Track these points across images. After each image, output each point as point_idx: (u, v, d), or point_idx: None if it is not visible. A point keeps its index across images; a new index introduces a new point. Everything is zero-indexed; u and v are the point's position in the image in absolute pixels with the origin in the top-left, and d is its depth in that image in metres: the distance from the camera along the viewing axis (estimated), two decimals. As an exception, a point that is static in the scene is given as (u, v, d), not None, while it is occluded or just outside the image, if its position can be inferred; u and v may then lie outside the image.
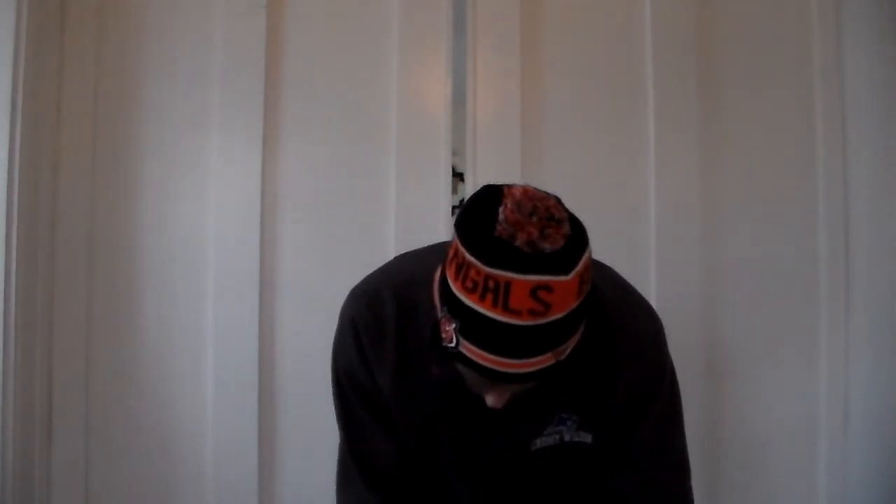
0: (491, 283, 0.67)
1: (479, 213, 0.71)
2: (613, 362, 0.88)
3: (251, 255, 1.51)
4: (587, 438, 0.90)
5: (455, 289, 0.71)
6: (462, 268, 0.70)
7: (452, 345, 0.72)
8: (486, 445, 0.91)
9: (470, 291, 0.69)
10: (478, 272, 0.68)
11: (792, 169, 1.58)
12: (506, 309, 0.67)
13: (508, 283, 0.66)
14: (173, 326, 1.52)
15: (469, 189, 1.54)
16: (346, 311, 0.95)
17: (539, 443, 0.89)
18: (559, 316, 0.68)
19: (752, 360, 1.55)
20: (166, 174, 1.54)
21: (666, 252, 1.52)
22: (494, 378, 0.72)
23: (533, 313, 0.67)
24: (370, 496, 0.95)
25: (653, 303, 1.50)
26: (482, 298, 0.68)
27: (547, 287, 0.67)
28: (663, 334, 0.95)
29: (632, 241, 1.53)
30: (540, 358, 0.70)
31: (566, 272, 0.68)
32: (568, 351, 0.72)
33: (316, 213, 1.54)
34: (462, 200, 1.56)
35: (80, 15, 1.52)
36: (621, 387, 0.89)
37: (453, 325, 0.71)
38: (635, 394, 0.91)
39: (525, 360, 0.70)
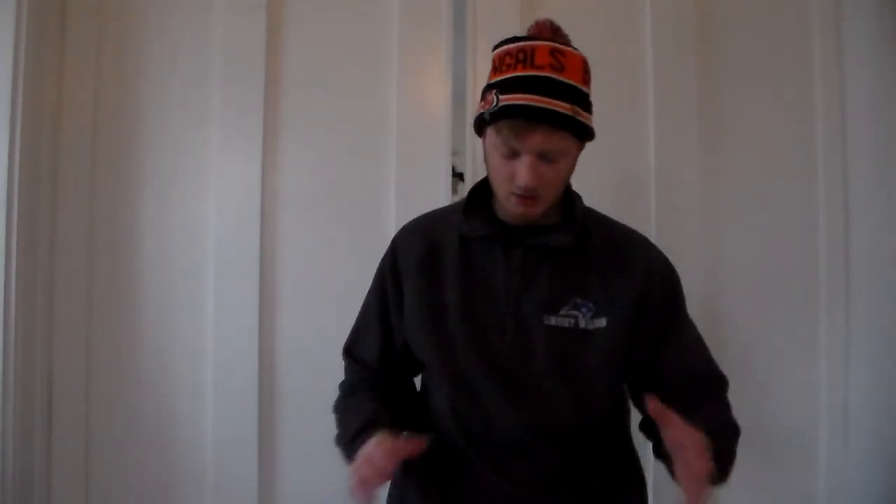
0: (521, 55, 0.94)
1: (508, 37, 0.98)
2: (622, 252, 1.03)
3: (251, 254, 1.51)
4: (602, 324, 0.99)
5: (493, 80, 0.96)
6: (498, 66, 0.96)
7: (494, 105, 0.93)
8: (504, 313, 1.00)
9: (505, 71, 0.94)
10: (510, 54, 0.95)
11: (792, 169, 1.57)
12: (532, 65, 0.93)
13: (534, 49, 0.94)
14: (173, 326, 1.53)
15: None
16: (395, 237, 1.15)
17: (554, 321, 0.98)
18: (572, 82, 0.94)
19: (753, 361, 1.55)
20: (166, 174, 1.54)
21: (666, 252, 1.51)
22: (527, 115, 0.91)
23: (553, 67, 0.92)
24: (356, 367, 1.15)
25: (653, 303, 1.52)
26: (514, 68, 0.93)
27: (560, 52, 0.94)
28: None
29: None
30: (561, 103, 0.92)
31: (573, 48, 0.96)
32: (582, 119, 0.94)
33: (316, 212, 1.54)
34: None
35: (80, 15, 1.52)
36: (635, 274, 1.01)
37: (493, 91, 0.94)
38: (657, 289, 1.02)
39: (550, 99, 0.91)
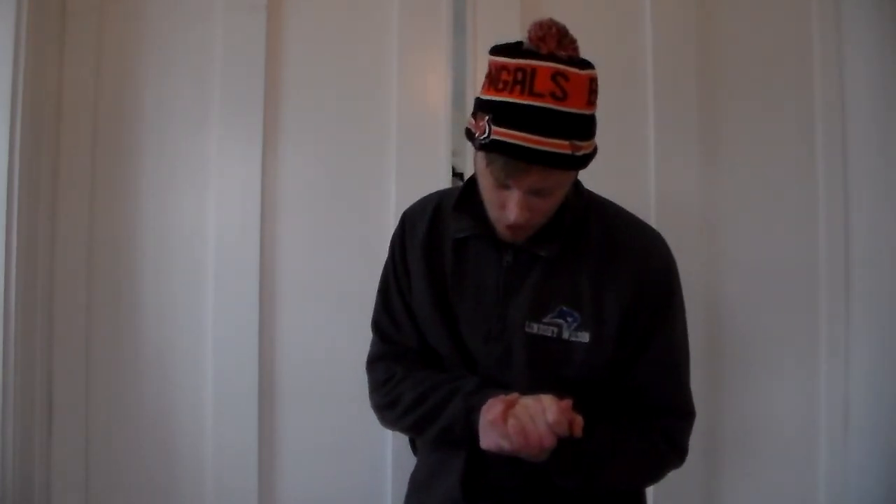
0: (519, 75, 0.83)
1: (509, 43, 0.88)
2: (618, 256, 0.97)
3: (251, 254, 1.51)
4: (585, 338, 0.94)
5: (487, 96, 0.87)
6: (494, 79, 0.87)
7: (485, 135, 0.86)
8: (488, 318, 0.97)
9: (501, 90, 0.85)
10: (508, 70, 0.85)
11: (792, 169, 1.57)
12: (532, 93, 0.83)
13: (534, 70, 0.83)
14: (173, 326, 1.52)
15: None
16: (405, 210, 1.13)
17: (536, 328, 0.95)
18: (575, 110, 0.85)
19: (752, 361, 1.55)
20: (166, 174, 1.54)
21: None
22: (520, 156, 0.83)
23: (554, 96, 0.83)
24: (392, 362, 1.06)
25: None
26: (511, 91, 0.84)
27: (564, 75, 0.83)
28: (668, 247, 1.03)
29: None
30: (559, 141, 0.84)
31: (579, 68, 0.85)
32: (582, 152, 0.87)
33: (316, 212, 1.54)
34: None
35: (80, 14, 1.52)
36: (627, 282, 0.96)
37: (486, 118, 0.86)
38: (647, 297, 0.96)
39: (547, 139, 0.83)
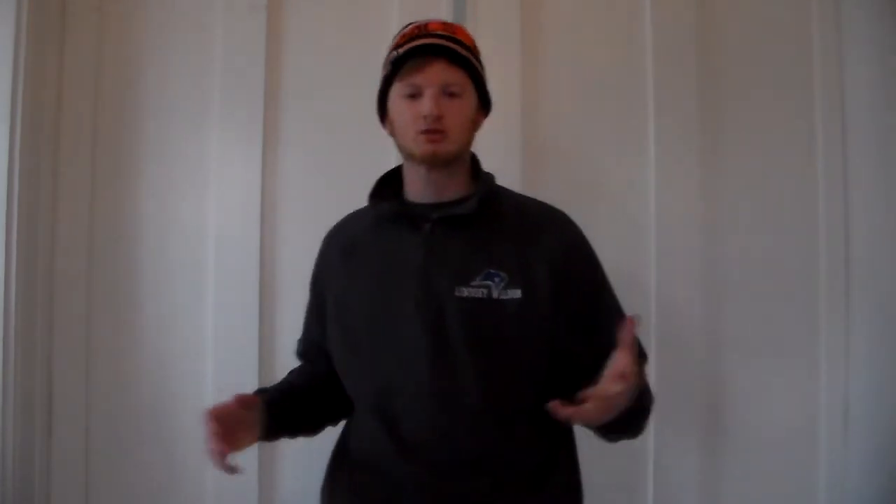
0: (416, 30, 1.03)
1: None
2: (533, 221, 1.05)
3: (251, 254, 1.51)
4: (517, 294, 0.98)
5: (391, 53, 1.04)
6: (397, 42, 1.04)
7: (394, 58, 1.02)
8: (415, 287, 1.00)
9: (401, 40, 1.03)
10: (405, 34, 1.04)
11: (792, 169, 1.57)
12: (426, 31, 1.02)
13: (427, 23, 1.04)
14: (173, 326, 1.53)
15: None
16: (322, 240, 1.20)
17: (466, 292, 0.98)
18: (463, 40, 1.03)
19: (752, 361, 1.55)
20: (166, 174, 1.54)
21: (666, 252, 1.52)
22: (425, 52, 0.99)
23: (444, 28, 1.03)
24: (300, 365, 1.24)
25: (653, 304, 1.52)
26: (411, 38, 1.01)
27: (452, 24, 1.06)
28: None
29: (632, 241, 1.53)
30: (454, 44, 1.00)
31: (462, 26, 1.08)
32: (475, 66, 1.03)
33: (316, 212, 1.53)
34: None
35: (80, 15, 1.52)
36: (550, 247, 1.01)
37: (394, 52, 1.03)
38: (577, 262, 1.03)
39: (445, 41, 1.00)
